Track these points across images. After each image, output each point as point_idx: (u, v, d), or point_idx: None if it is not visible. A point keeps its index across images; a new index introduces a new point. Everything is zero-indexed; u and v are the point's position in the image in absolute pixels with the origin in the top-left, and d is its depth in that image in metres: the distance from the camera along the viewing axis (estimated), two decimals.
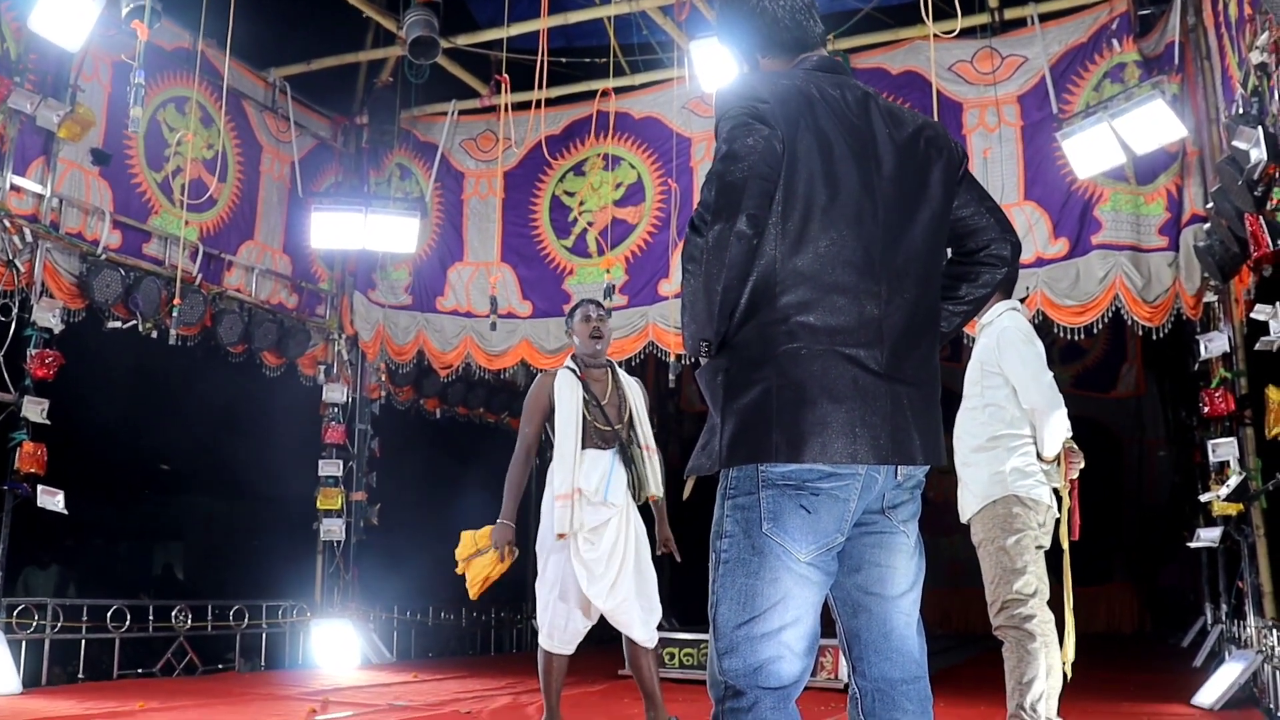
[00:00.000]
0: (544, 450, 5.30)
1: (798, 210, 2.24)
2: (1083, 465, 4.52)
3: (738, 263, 2.21)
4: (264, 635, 9.78)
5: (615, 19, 9.30)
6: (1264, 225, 5.88)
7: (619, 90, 9.96)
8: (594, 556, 5.04)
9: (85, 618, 8.23)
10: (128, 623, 8.39)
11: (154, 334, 8.70)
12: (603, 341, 5.28)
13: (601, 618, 5.19)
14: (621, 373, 5.42)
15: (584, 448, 5.13)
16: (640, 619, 5.11)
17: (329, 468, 10.59)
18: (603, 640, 5.35)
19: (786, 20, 2.50)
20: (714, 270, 2.21)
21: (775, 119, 2.25)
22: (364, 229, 9.74)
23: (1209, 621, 10.77)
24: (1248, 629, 7.89)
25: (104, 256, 8.31)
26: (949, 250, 2.55)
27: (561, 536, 5.05)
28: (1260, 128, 5.77)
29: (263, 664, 9.72)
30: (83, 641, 8.28)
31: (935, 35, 7.92)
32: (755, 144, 2.22)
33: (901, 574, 2.38)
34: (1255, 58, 5.93)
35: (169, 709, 6.60)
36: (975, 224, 2.52)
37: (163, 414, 12.18)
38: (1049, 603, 4.37)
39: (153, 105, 8.73)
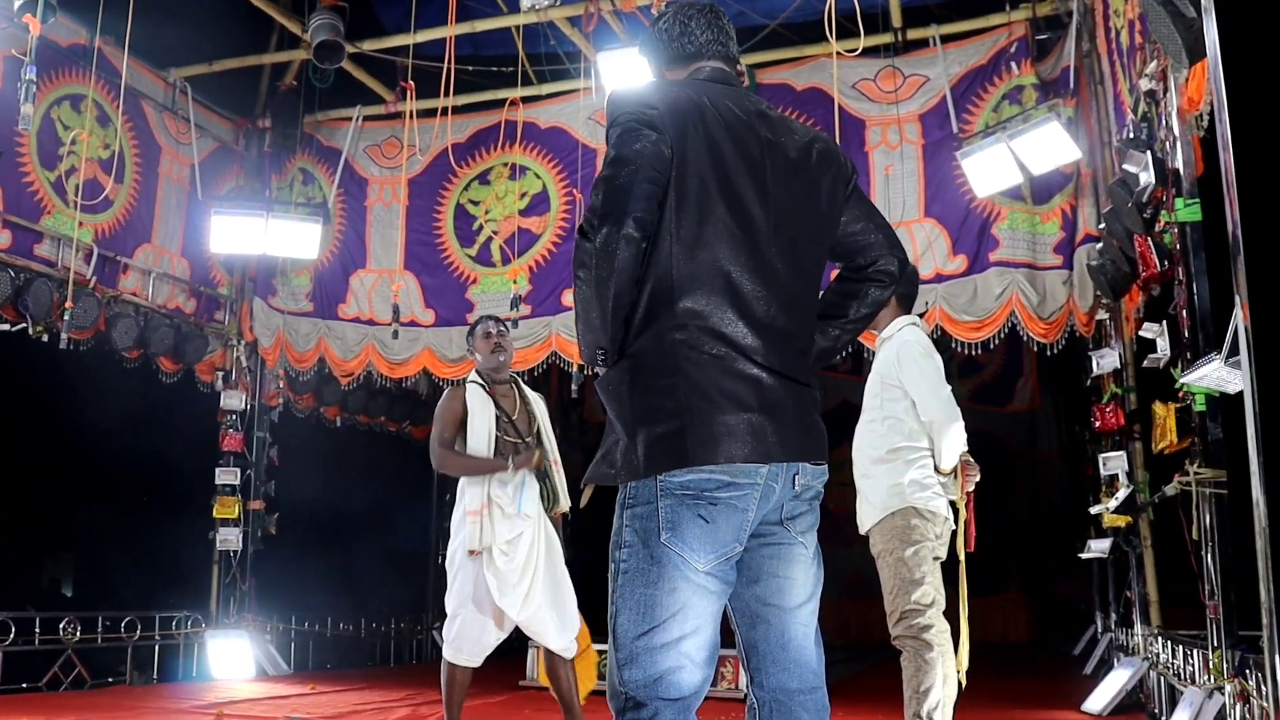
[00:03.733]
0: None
1: (690, 215, 2.27)
2: (979, 478, 4.59)
3: (627, 267, 2.22)
4: (156, 647, 9.55)
5: (523, 28, 9.29)
6: (1152, 246, 6.06)
7: (526, 100, 9.96)
8: (509, 568, 5.01)
9: None
10: (12, 635, 8.12)
11: (44, 337, 8.45)
12: (505, 355, 5.28)
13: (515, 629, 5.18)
14: (526, 389, 5.43)
15: None
16: (555, 629, 5.10)
17: (226, 476, 10.40)
18: (504, 651, 5.33)
19: (676, 31, 2.56)
20: (604, 274, 2.21)
21: (663, 125, 2.28)
22: (265, 234, 9.59)
23: (1099, 630, 11.05)
24: (1135, 637, 8.11)
25: None
26: (839, 266, 2.60)
27: (474, 553, 5.03)
28: (1149, 152, 5.94)
29: (155, 677, 9.48)
30: None
31: (839, 53, 8.03)
32: (643, 148, 2.25)
33: (800, 585, 2.39)
34: (1145, 85, 6.12)
35: None
36: (864, 240, 2.55)
37: (53, 420, 11.86)
38: (945, 613, 4.44)
39: (46, 102, 8.50)
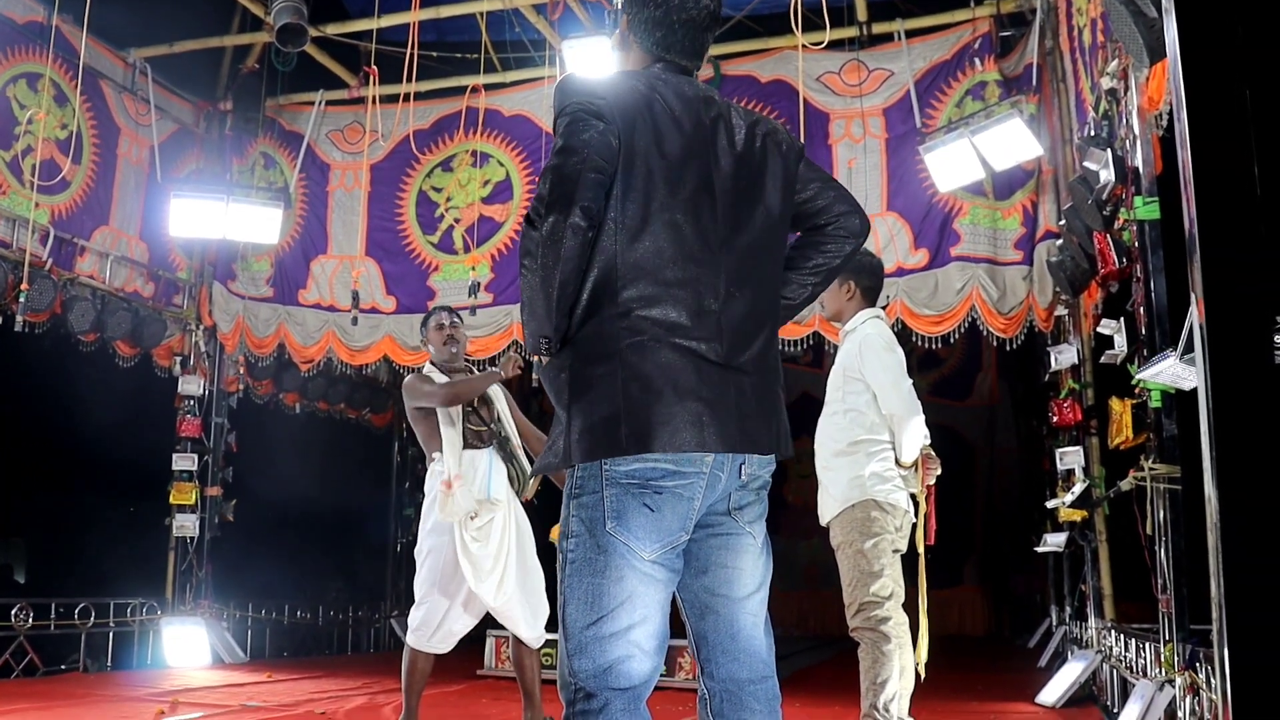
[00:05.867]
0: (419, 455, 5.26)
1: (636, 205, 2.27)
2: (939, 471, 4.62)
3: (573, 256, 2.22)
4: (111, 635, 9.45)
5: (488, 15, 9.23)
6: (1111, 243, 6.11)
7: (489, 87, 9.90)
8: (483, 553, 4.97)
9: None
10: None
11: None
12: (458, 347, 5.26)
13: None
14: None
15: (463, 449, 5.10)
16: (525, 618, 5.07)
17: (183, 462, 10.31)
18: (461, 640, 5.29)
19: (668, 19, 2.47)
20: (550, 263, 2.21)
21: (611, 115, 2.27)
22: (225, 218, 9.48)
23: (1054, 623, 11.14)
24: (1089, 630, 8.19)
25: None
26: (800, 231, 2.59)
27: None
28: (1109, 150, 5.99)
29: (109, 664, 9.39)
30: None
31: (804, 46, 8.04)
32: (590, 138, 2.24)
33: (748, 575, 2.40)
34: (1106, 83, 6.16)
35: (5, 712, 6.33)
36: (821, 203, 2.56)
37: (6, 403, 11.71)
38: (905, 605, 4.46)
39: (1, 80, 8.37)
